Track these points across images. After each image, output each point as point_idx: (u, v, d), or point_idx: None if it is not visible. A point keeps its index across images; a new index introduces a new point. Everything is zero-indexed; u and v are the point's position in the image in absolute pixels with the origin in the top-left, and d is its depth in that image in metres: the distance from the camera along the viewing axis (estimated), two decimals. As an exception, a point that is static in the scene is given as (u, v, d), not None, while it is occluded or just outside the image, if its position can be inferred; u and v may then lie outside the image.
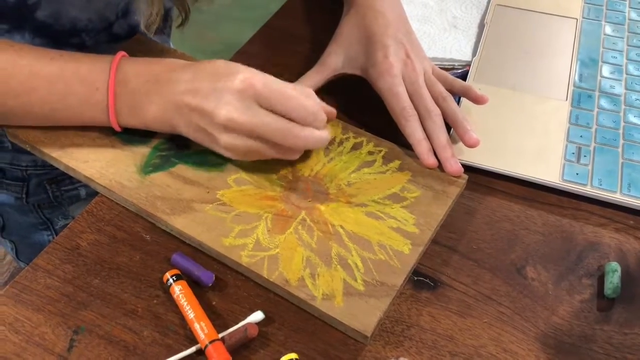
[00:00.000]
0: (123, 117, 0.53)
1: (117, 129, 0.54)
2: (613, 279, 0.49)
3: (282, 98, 0.50)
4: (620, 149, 0.58)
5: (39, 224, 0.78)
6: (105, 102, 0.52)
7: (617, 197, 0.54)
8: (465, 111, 0.58)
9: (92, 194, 0.77)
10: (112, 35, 0.66)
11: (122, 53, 0.54)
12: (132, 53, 0.55)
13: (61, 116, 0.53)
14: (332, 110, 0.55)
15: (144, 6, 0.57)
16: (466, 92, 0.59)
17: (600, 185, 0.55)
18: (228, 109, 0.49)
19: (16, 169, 0.73)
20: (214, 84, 0.50)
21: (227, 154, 0.52)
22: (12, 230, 0.80)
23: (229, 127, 0.50)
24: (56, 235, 0.53)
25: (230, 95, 0.49)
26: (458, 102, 0.60)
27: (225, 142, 0.50)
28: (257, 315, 0.46)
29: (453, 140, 0.57)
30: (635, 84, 0.64)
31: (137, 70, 0.53)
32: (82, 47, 0.65)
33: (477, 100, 0.58)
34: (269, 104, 0.50)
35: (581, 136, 0.59)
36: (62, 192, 0.76)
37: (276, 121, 0.50)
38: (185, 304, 0.46)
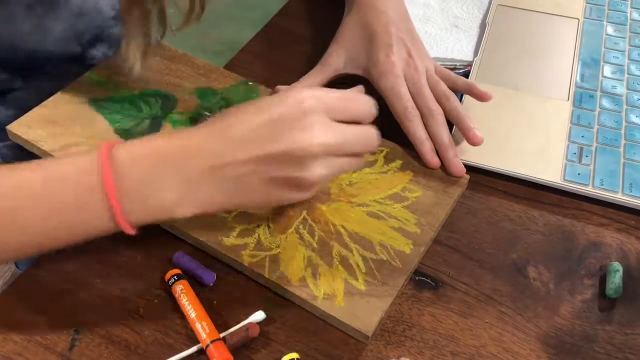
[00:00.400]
0: (133, 214, 0.43)
1: (130, 231, 0.43)
2: (615, 279, 0.49)
3: (346, 104, 0.45)
4: (621, 149, 0.58)
5: None
6: (105, 202, 0.42)
7: (619, 197, 0.54)
8: (467, 111, 0.58)
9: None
10: (86, 66, 0.63)
11: (106, 144, 0.43)
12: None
13: (59, 235, 0.44)
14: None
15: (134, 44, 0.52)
16: (470, 89, 0.58)
17: (602, 185, 0.55)
18: (317, 136, 0.43)
19: None
20: (275, 122, 0.43)
21: (308, 192, 0.46)
22: None
23: (320, 154, 0.43)
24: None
25: (307, 121, 0.43)
26: (460, 101, 0.60)
27: (318, 173, 0.44)
28: (258, 315, 0.46)
29: (455, 140, 0.57)
30: (637, 84, 0.64)
31: (135, 153, 0.43)
32: (48, 76, 0.64)
33: (480, 97, 0.58)
34: (337, 113, 0.45)
35: (583, 136, 0.59)
36: None
37: (354, 128, 0.45)
38: (186, 303, 0.46)
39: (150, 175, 0.43)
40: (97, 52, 0.66)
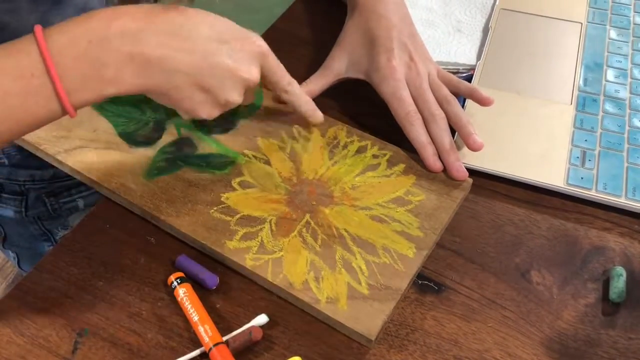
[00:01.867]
0: (75, 93, 0.44)
1: (73, 114, 0.44)
2: (618, 284, 0.48)
3: (283, 74, 0.53)
4: (625, 153, 0.58)
5: (40, 235, 0.79)
6: (48, 85, 0.43)
7: (622, 201, 0.54)
8: (470, 115, 0.58)
9: (90, 204, 0.77)
10: None
11: (39, 26, 0.43)
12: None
13: (6, 126, 0.44)
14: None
15: None
16: (472, 93, 0.58)
17: (605, 189, 0.55)
18: (257, 73, 0.50)
19: (14, 183, 0.73)
20: (232, 46, 0.48)
21: (217, 112, 0.51)
22: (13, 241, 0.81)
23: (247, 88, 0.50)
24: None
25: (256, 58, 0.50)
26: (463, 105, 0.60)
27: (237, 100, 0.50)
28: (261, 319, 0.46)
29: (457, 144, 0.57)
30: (640, 88, 0.64)
31: (73, 32, 0.44)
32: None
33: (483, 101, 0.58)
34: (270, 71, 0.52)
35: (586, 140, 0.59)
36: (60, 204, 0.76)
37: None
38: (189, 306, 0.46)
39: (90, 54, 0.43)
40: None
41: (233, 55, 0.48)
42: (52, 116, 0.44)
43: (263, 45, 0.51)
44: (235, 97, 0.49)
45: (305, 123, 0.58)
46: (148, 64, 0.45)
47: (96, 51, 0.43)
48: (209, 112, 0.50)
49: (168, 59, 0.46)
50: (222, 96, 0.49)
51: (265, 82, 0.53)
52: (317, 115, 0.57)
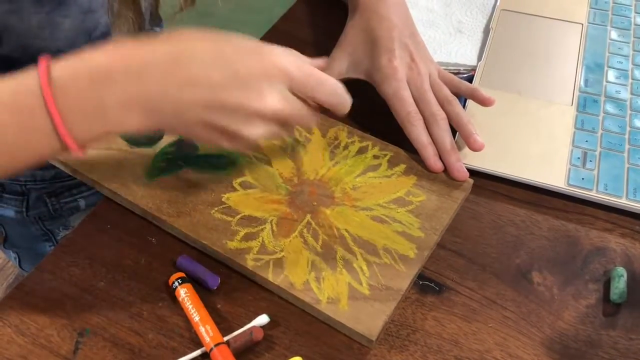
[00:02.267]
0: (77, 132, 0.42)
1: (77, 151, 0.43)
2: (619, 284, 0.48)
3: (313, 83, 0.46)
4: (626, 154, 0.58)
5: (41, 235, 0.79)
6: (48, 123, 0.41)
7: (623, 202, 0.54)
8: (471, 115, 0.58)
9: (92, 204, 0.77)
10: None
11: (43, 59, 0.42)
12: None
13: (5, 160, 0.43)
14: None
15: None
16: (473, 94, 0.58)
17: (606, 190, 0.55)
18: (271, 102, 0.43)
19: (15, 183, 0.73)
20: (238, 72, 0.42)
21: (239, 146, 0.46)
22: (14, 241, 0.81)
23: (266, 120, 0.44)
24: (59, 243, 0.53)
25: (268, 84, 0.43)
26: (464, 105, 0.60)
27: (258, 134, 0.44)
28: (262, 319, 0.46)
29: (458, 144, 0.57)
30: (641, 88, 0.64)
31: (75, 70, 0.42)
32: None
33: (483, 102, 0.58)
34: (300, 87, 0.45)
35: (587, 141, 0.59)
36: (61, 204, 0.76)
37: (304, 107, 0.46)
38: (190, 307, 0.46)
39: (92, 92, 0.42)
40: None
41: (241, 83, 0.43)
42: (54, 153, 0.43)
43: (279, 61, 0.44)
44: (254, 132, 0.44)
45: (319, 126, 0.57)
46: (153, 103, 0.42)
47: (99, 90, 0.42)
48: (231, 145, 0.45)
49: (171, 98, 0.42)
50: (238, 133, 0.44)
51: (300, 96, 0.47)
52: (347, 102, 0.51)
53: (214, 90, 0.43)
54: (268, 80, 0.44)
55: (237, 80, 0.43)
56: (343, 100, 0.48)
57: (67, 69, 0.42)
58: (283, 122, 0.45)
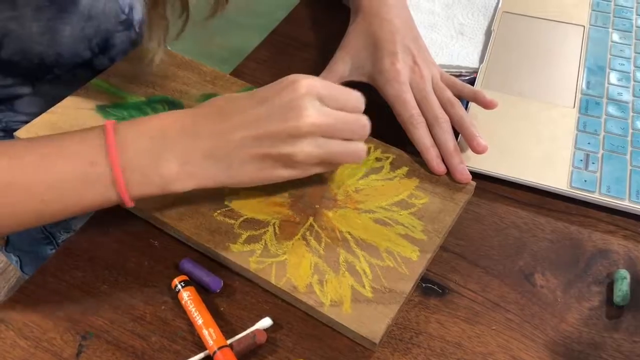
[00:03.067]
0: (134, 185, 0.45)
1: (130, 203, 0.46)
2: (622, 287, 0.48)
3: (337, 94, 0.48)
4: (628, 156, 0.58)
5: (42, 239, 0.79)
6: (107, 174, 0.44)
7: (626, 204, 0.54)
8: (473, 118, 0.58)
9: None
10: (95, 71, 0.64)
11: (110, 122, 0.46)
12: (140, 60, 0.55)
13: (57, 208, 0.45)
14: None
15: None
16: (475, 96, 0.58)
17: (609, 192, 0.55)
18: (308, 115, 0.46)
19: None
20: (269, 102, 0.46)
21: (298, 170, 0.48)
22: (16, 244, 0.81)
23: (309, 134, 0.46)
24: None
25: (300, 102, 0.46)
26: (466, 108, 0.60)
27: (308, 151, 0.47)
28: (266, 322, 0.46)
29: (461, 147, 0.57)
30: (643, 91, 0.64)
31: (136, 129, 0.46)
32: (57, 82, 0.64)
33: (486, 104, 0.58)
34: (328, 100, 0.48)
35: (589, 143, 0.59)
36: None
37: (345, 113, 0.48)
38: (193, 309, 0.46)
39: (151, 149, 0.45)
40: (105, 59, 0.66)
41: (279, 112, 0.46)
42: (107, 204, 0.46)
43: (305, 82, 0.47)
44: (301, 148, 0.46)
45: None
46: (207, 153, 0.46)
47: (158, 146, 0.45)
48: (288, 172, 0.48)
49: (223, 143, 0.46)
50: (287, 153, 0.46)
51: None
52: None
53: (259, 124, 0.46)
54: (301, 100, 0.46)
55: (275, 110, 0.46)
56: (361, 104, 0.50)
57: (129, 128, 0.46)
58: (329, 134, 0.47)
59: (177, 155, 0.46)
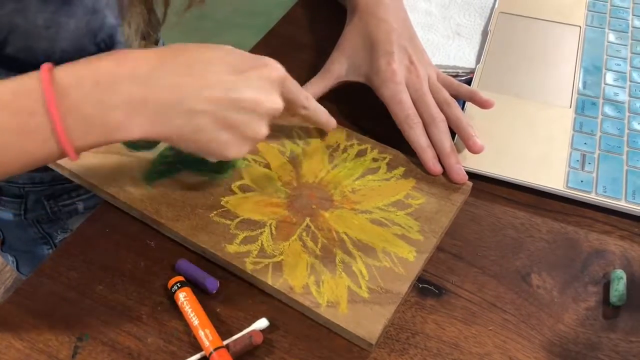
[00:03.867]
0: (76, 136, 0.41)
1: (74, 156, 0.42)
2: (618, 287, 0.48)
3: (299, 90, 0.51)
4: (624, 157, 0.58)
5: (39, 239, 0.78)
6: (46, 124, 0.40)
7: (622, 204, 0.54)
8: (470, 118, 0.58)
9: (90, 207, 0.77)
10: None
11: (46, 65, 0.41)
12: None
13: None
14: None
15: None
16: (472, 96, 0.59)
17: (605, 192, 0.55)
18: (276, 100, 0.47)
19: (13, 186, 0.73)
20: (248, 75, 0.45)
21: (247, 148, 0.47)
22: (12, 244, 0.80)
23: (268, 116, 0.46)
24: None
25: (274, 85, 0.47)
26: (463, 108, 0.60)
27: (264, 132, 0.47)
28: (262, 323, 0.46)
29: (458, 147, 0.57)
30: (639, 91, 0.64)
31: (80, 73, 0.42)
32: None
33: (483, 104, 0.58)
34: (294, 96, 0.50)
35: (585, 143, 0.59)
36: (60, 207, 0.76)
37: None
38: (189, 310, 0.46)
39: (96, 96, 0.41)
40: None
41: (253, 86, 0.45)
42: (50, 157, 0.43)
43: (280, 69, 0.48)
44: (263, 130, 0.47)
45: (317, 130, 0.58)
46: (163, 108, 0.43)
47: (103, 93, 0.41)
48: (237, 150, 0.47)
49: (185, 100, 0.43)
50: (249, 131, 0.46)
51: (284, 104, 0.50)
52: (332, 121, 0.57)
53: (229, 91, 0.44)
54: (272, 84, 0.47)
55: (248, 82, 0.45)
56: (328, 116, 0.53)
57: (70, 72, 0.42)
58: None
59: (123, 103, 0.42)
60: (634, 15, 0.73)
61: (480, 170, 0.56)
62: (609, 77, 0.66)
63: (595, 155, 0.58)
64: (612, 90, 0.64)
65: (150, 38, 0.61)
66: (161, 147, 0.56)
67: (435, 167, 0.55)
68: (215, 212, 0.51)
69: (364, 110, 0.62)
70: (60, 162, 0.54)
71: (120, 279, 0.49)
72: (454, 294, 0.49)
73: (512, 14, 0.73)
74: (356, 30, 0.61)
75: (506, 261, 0.51)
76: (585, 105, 0.62)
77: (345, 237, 0.50)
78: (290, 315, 0.47)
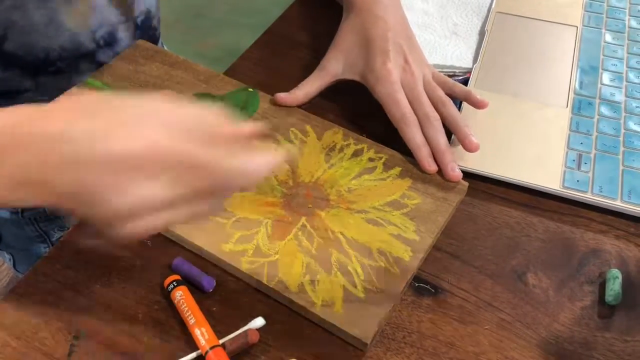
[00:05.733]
0: None
1: None
2: (614, 286, 0.49)
3: (216, 173, 0.38)
4: (620, 156, 0.58)
5: (36, 237, 0.78)
6: None
7: (618, 204, 0.54)
8: (466, 117, 0.59)
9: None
10: (98, 64, 0.65)
11: None
12: (134, 59, 0.55)
13: None
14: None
15: None
16: (467, 96, 0.59)
17: (601, 192, 0.55)
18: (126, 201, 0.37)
19: None
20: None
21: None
22: (9, 242, 0.80)
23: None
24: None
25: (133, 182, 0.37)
26: (459, 107, 0.60)
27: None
28: (258, 321, 0.46)
29: (453, 146, 0.57)
30: (636, 91, 0.64)
31: None
32: (59, 75, 0.64)
33: (477, 104, 0.58)
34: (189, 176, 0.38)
35: (581, 143, 0.59)
36: None
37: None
38: (185, 309, 0.46)
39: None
40: (110, 52, 0.66)
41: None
42: None
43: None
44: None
45: (314, 129, 0.58)
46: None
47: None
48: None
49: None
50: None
51: None
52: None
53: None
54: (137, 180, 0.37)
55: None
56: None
57: None
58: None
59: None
60: (630, 16, 0.73)
61: (477, 169, 0.57)
62: (606, 78, 0.66)
63: (592, 155, 0.58)
64: (608, 91, 0.64)
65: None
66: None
67: (430, 165, 0.55)
68: (211, 211, 0.51)
69: (361, 110, 0.62)
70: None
71: (116, 277, 0.49)
72: (450, 293, 0.49)
73: (509, 14, 0.73)
74: (352, 28, 0.61)
75: (502, 260, 0.51)
76: (581, 105, 0.62)
77: (341, 237, 0.50)
78: (286, 314, 0.47)
